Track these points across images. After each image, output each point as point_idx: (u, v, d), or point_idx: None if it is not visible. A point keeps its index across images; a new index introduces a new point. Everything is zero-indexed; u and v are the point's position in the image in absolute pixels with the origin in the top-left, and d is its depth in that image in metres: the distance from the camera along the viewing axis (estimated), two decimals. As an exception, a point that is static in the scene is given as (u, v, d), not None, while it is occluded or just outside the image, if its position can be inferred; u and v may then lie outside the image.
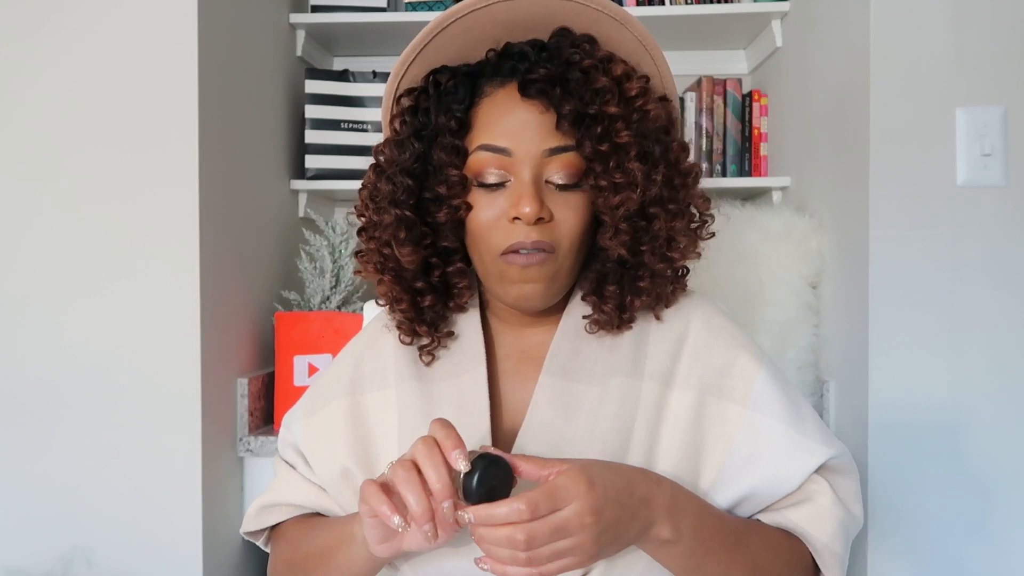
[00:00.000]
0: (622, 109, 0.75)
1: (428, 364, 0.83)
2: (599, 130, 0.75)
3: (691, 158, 0.82)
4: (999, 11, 1.22)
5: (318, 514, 0.88)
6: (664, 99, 0.80)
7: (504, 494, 0.65)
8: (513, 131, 0.75)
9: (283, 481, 0.89)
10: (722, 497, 0.77)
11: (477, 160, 0.76)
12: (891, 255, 1.23)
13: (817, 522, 0.76)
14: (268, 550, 0.92)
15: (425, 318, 0.82)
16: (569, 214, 0.76)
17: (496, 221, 0.76)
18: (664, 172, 0.77)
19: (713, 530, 0.72)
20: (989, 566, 1.22)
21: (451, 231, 0.78)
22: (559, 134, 0.75)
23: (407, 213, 0.77)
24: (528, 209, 0.73)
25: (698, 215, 0.81)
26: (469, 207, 0.77)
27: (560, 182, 0.76)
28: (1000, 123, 1.22)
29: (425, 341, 0.83)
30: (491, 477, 0.64)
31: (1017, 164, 1.22)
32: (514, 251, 0.75)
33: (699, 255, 0.81)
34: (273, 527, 0.91)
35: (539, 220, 0.74)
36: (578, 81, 0.75)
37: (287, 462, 0.90)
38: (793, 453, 0.77)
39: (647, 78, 0.79)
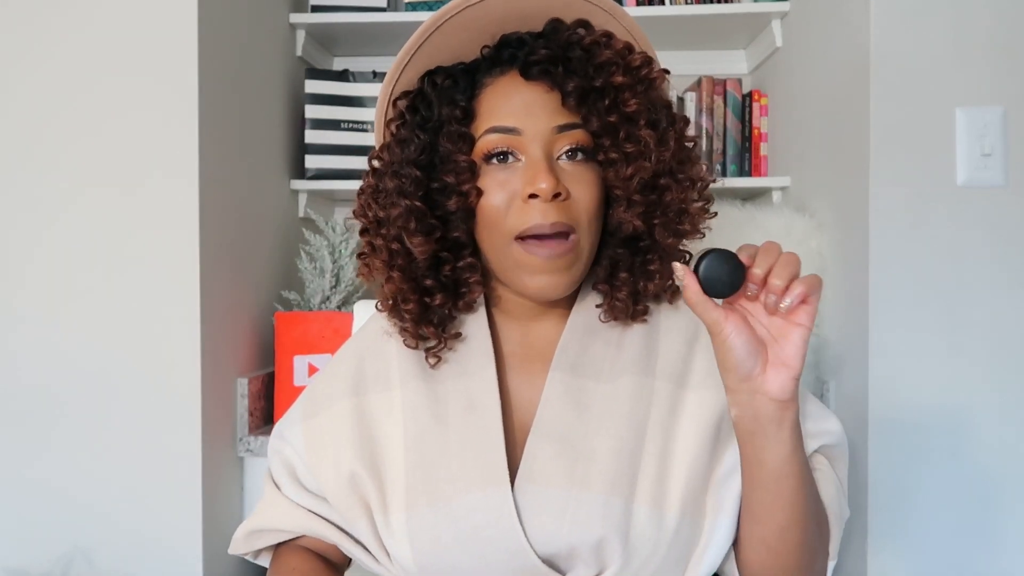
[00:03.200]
0: (628, 79, 0.76)
1: (434, 366, 0.82)
2: (606, 102, 0.75)
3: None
4: (999, 11, 1.22)
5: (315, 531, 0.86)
6: (665, 71, 0.81)
7: (726, 292, 0.65)
8: (520, 111, 0.75)
9: (269, 503, 0.87)
10: (737, 480, 0.77)
11: (485, 143, 0.76)
12: (891, 255, 1.23)
13: (820, 486, 0.79)
14: (257, 562, 0.90)
15: (432, 319, 0.81)
16: (583, 189, 0.76)
17: (510, 202, 0.75)
18: (675, 140, 0.78)
19: (805, 460, 0.72)
20: (989, 566, 1.22)
21: (461, 220, 0.78)
22: (566, 111, 0.76)
23: (416, 203, 0.77)
24: (544, 184, 0.72)
25: (699, 193, 0.81)
26: (479, 192, 0.76)
27: (571, 158, 0.76)
28: (1000, 123, 1.22)
29: (432, 343, 0.82)
30: (718, 270, 0.65)
31: (1017, 164, 1.22)
32: (533, 236, 0.74)
33: (704, 233, 0.81)
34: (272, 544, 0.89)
35: (555, 196, 0.73)
36: (580, 59, 0.75)
37: (274, 481, 0.88)
38: (806, 438, 0.79)
39: (645, 52, 0.79)
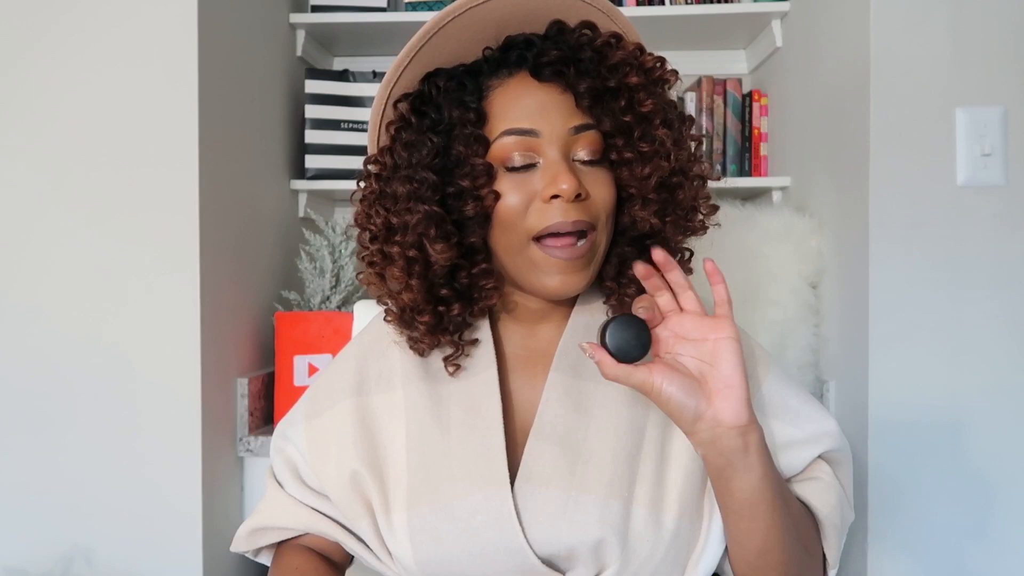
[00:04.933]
0: (643, 79, 0.76)
1: (453, 374, 0.81)
2: (622, 103, 0.75)
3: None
4: (999, 11, 1.22)
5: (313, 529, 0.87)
6: (674, 72, 0.81)
7: (638, 355, 0.68)
8: (535, 113, 0.75)
9: (271, 502, 0.87)
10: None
11: (502, 146, 0.75)
12: (891, 255, 1.23)
13: (820, 496, 0.79)
14: (257, 560, 0.91)
15: (447, 327, 0.80)
16: (601, 189, 0.76)
17: (528, 204, 0.74)
18: (688, 139, 0.78)
19: (776, 479, 0.73)
20: (989, 566, 1.22)
21: (477, 225, 0.77)
22: (580, 112, 0.76)
23: (435, 208, 0.75)
24: (567, 185, 0.72)
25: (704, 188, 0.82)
26: (496, 196, 0.75)
27: (587, 159, 0.76)
28: (1000, 123, 1.22)
29: (449, 351, 0.81)
30: (623, 337, 0.68)
31: (1017, 164, 1.22)
32: (551, 236, 0.74)
33: (707, 229, 0.82)
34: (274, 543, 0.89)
35: (577, 197, 0.73)
36: (591, 60, 0.75)
37: (276, 479, 0.89)
38: (799, 447, 0.80)
39: (655, 53, 0.80)
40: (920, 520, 1.22)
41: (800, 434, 0.80)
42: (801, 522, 0.77)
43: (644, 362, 0.69)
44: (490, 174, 0.75)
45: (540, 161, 0.75)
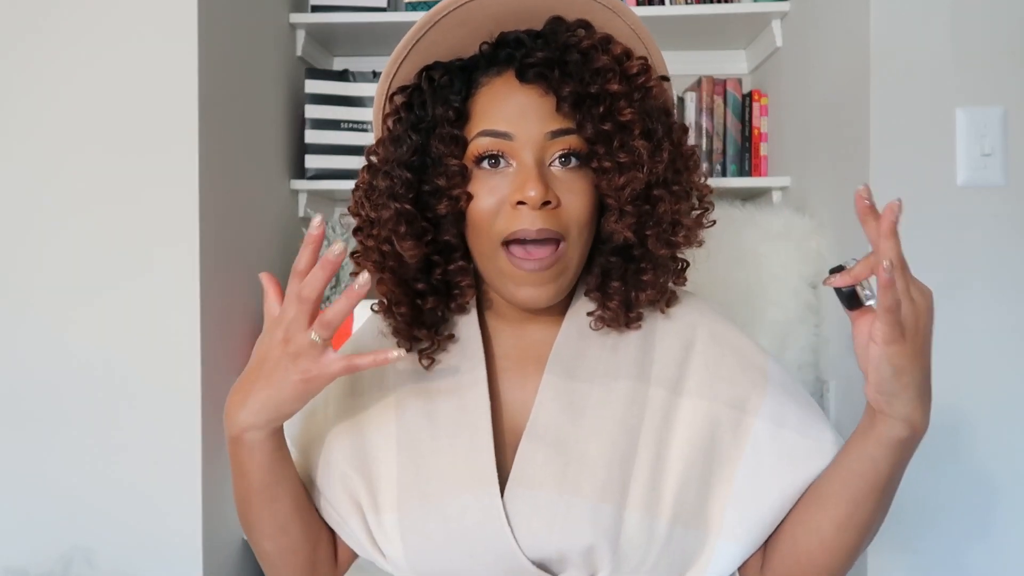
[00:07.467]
0: (624, 87, 0.74)
1: (428, 367, 0.81)
2: (601, 109, 0.73)
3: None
4: (999, 11, 1.22)
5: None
6: (664, 78, 0.79)
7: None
8: (513, 116, 0.74)
9: None
10: (755, 505, 0.76)
11: (477, 146, 0.75)
12: (891, 255, 1.23)
13: None
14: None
15: (424, 321, 0.80)
16: (574, 198, 0.74)
17: (499, 208, 0.74)
18: (669, 151, 0.76)
19: (888, 479, 0.76)
20: (989, 566, 1.22)
21: (452, 224, 0.77)
22: (560, 117, 0.74)
23: (407, 206, 0.75)
24: (533, 192, 0.71)
25: (699, 201, 0.80)
26: (469, 197, 0.75)
27: (563, 165, 0.75)
28: (1000, 123, 1.22)
29: (424, 344, 0.81)
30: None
31: (1017, 164, 1.22)
32: (517, 242, 0.73)
33: (701, 243, 0.80)
34: None
35: (545, 204, 0.72)
36: (577, 63, 0.74)
37: None
38: (809, 457, 0.78)
39: (645, 58, 0.78)
40: (920, 520, 1.22)
41: (810, 439, 0.79)
42: (871, 533, 0.77)
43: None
44: (464, 175, 0.75)
45: (513, 164, 0.74)
